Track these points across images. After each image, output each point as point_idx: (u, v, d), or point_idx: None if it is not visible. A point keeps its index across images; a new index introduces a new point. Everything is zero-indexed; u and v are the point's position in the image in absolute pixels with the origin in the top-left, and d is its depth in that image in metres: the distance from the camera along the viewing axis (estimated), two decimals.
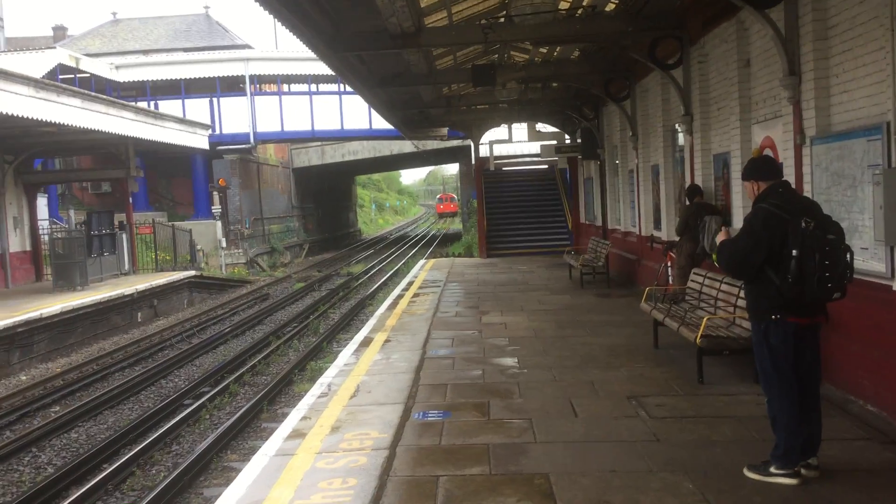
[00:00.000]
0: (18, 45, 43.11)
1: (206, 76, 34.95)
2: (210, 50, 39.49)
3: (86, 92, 21.09)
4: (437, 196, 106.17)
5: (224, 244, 32.34)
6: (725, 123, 10.58)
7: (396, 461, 5.81)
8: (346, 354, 10.00)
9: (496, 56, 18.02)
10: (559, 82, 19.07)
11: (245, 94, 35.18)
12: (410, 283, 18.37)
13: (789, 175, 7.73)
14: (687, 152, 12.25)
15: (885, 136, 6.24)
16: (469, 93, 20.95)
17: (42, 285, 22.97)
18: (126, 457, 9.48)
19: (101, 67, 34.00)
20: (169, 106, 33.45)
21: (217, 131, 34.06)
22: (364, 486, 5.35)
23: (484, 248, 25.71)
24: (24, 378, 14.85)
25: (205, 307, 23.96)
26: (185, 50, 40.30)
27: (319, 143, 43.57)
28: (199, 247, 30.26)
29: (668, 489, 5.07)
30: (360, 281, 29.29)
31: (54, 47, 34.95)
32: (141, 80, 34.83)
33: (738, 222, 9.56)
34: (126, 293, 20.45)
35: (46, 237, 24.54)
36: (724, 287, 8.62)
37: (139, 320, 21.14)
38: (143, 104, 29.74)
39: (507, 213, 27.38)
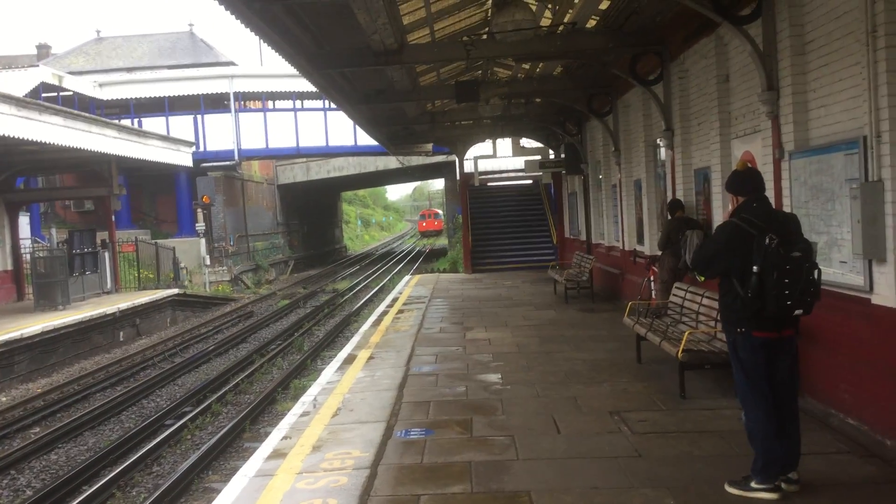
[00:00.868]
0: (1, 63, 42.91)
1: (191, 93, 34.93)
2: (194, 67, 39.46)
3: (68, 110, 21.02)
4: (420, 212, 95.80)
5: (208, 262, 32.18)
6: (706, 138, 10.64)
7: (377, 480, 5.76)
8: (329, 372, 9.94)
9: (479, 72, 18.09)
10: (542, 98, 19.17)
11: (229, 111, 35.14)
12: (395, 300, 18.33)
13: (768, 189, 7.76)
14: (668, 167, 12.31)
15: (862, 150, 6.29)
16: (453, 109, 21.01)
17: (24, 305, 22.76)
18: (106, 478, 9.35)
19: (84, 85, 33.90)
20: (153, 123, 33.40)
21: (201, 148, 34.01)
22: None
23: (469, 263, 25.72)
24: (4, 399, 14.65)
25: (188, 326, 23.78)
26: (169, 67, 40.24)
27: (304, 160, 43.53)
28: (182, 264, 30.10)
29: None
30: (345, 297, 29.19)
31: (37, 65, 34.82)
32: (125, 97, 34.76)
33: None
34: (108, 312, 20.29)
35: (28, 256, 24.35)
36: (705, 301, 8.64)
37: (121, 339, 20.96)
38: (126, 122, 29.71)
39: (493, 228, 27.42)
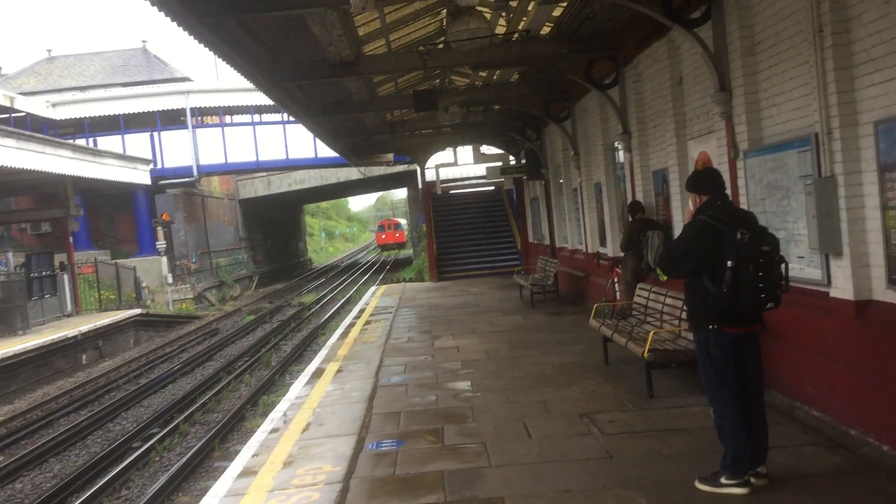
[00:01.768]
0: None
1: (146, 110, 34.51)
2: (149, 84, 38.99)
3: (21, 132, 20.67)
4: (378, 223, 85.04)
5: (170, 280, 31.77)
6: (662, 140, 10.79)
7: (350, 494, 5.73)
8: (298, 387, 9.87)
9: (437, 81, 18.15)
10: (501, 105, 19.27)
11: (186, 127, 34.79)
12: (362, 311, 18.27)
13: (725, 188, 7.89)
14: (627, 169, 12.45)
15: (814, 146, 6.43)
16: (412, 118, 21.03)
17: None
18: None
19: (36, 106, 33.33)
20: (108, 142, 32.94)
21: (159, 165, 33.62)
22: None
23: (434, 272, 25.73)
24: None
25: (152, 346, 23.43)
26: (124, 85, 39.70)
27: (265, 174, 43.23)
28: (144, 284, 29.68)
29: None
30: (311, 311, 29.01)
31: None
32: (79, 116, 34.24)
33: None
34: (69, 335, 19.93)
35: None
36: (669, 301, 8.74)
37: (84, 362, 20.60)
38: (81, 141, 29.29)
39: (457, 235, 27.48)
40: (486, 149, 27.23)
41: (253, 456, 6.91)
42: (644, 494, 5.23)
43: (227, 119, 36.58)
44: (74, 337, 20.18)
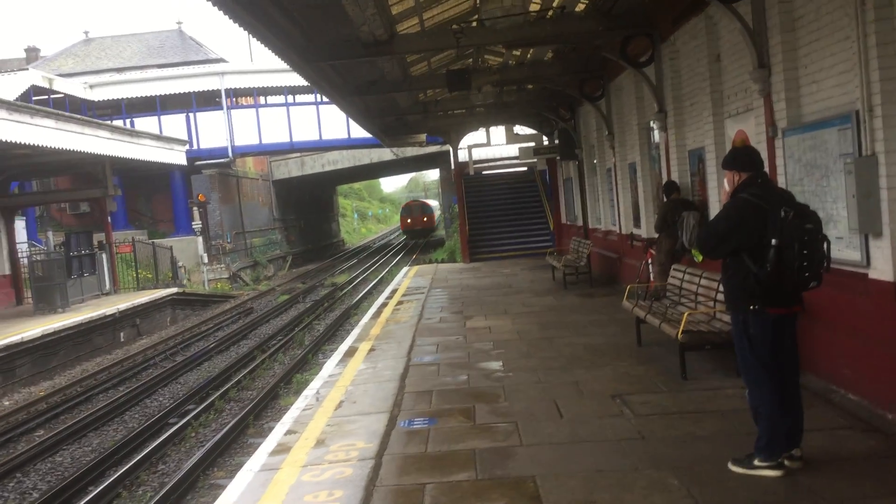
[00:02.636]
0: None
1: (182, 92, 34.85)
2: (184, 65, 39.32)
3: (60, 112, 20.94)
4: (403, 205, 73.21)
5: (206, 259, 32.17)
6: (699, 119, 10.63)
7: (382, 471, 5.77)
8: (330, 365, 9.95)
9: (470, 60, 18.05)
10: (534, 84, 19.12)
11: (221, 108, 35.08)
12: (394, 291, 18.34)
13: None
14: (662, 149, 12.30)
15: (854, 124, 6.29)
16: (445, 98, 20.97)
17: (23, 309, 22.76)
18: (112, 478, 9.40)
19: (74, 87, 33.80)
20: (145, 123, 33.33)
21: (195, 146, 33.95)
22: (350, 497, 5.31)
23: (467, 252, 25.71)
24: (7, 403, 14.68)
25: (188, 324, 23.79)
26: (160, 66, 40.08)
27: (299, 154, 43.48)
28: (180, 263, 30.09)
29: (654, 486, 5.07)
30: (344, 291, 29.21)
31: (27, 69, 34.72)
32: (116, 98, 34.66)
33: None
34: (108, 313, 20.29)
35: (26, 260, 24.32)
36: (703, 282, 8.64)
37: (122, 340, 20.97)
38: (118, 122, 29.61)
39: (489, 216, 27.40)
40: (519, 129, 27.04)
41: (287, 433, 6.99)
42: (676, 476, 5.20)
43: (262, 100, 36.78)
44: (113, 315, 20.53)
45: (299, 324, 21.46)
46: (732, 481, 5.05)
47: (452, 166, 28.77)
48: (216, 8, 8.83)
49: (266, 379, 14.82)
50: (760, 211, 4.98)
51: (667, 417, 6.54)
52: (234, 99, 36.14)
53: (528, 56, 16.43)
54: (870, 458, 5.29)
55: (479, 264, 23.91)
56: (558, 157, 22.96)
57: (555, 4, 12.34)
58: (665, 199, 11.28)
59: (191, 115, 34.81)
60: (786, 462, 5.10)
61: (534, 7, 13.08)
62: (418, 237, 60.80)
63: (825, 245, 4.91)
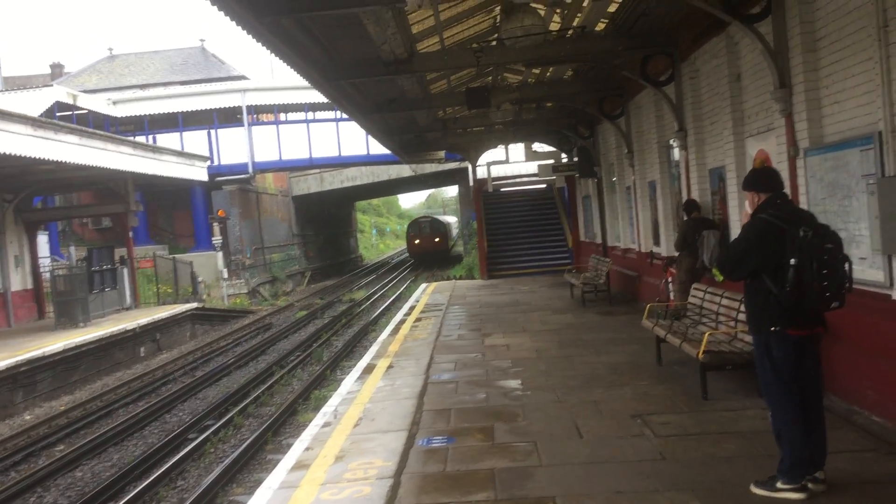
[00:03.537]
0: (16, 83, 43.43)
1: (204, 108, 35.19)
2: (206, 82, 39.75)
3: (83, 128, 21.19)
4: (413, 220, 60.68)
5: (226, 275, 32.33)
6: (719, 138, 10.62)
7: (401, 490, 5.77)
8: (349, 382, 9.97)
9: (490, 78, 18.11)
10: (553, 102, 19.15)
11: (242, 125, 35.37)
12: (412, 308, 18.35)
13: (784, 187, 7.74)
14: (682, 167, 12.28)
15: (877, 145, 6.26)
16: (464, 115, 21.03)
17: (44, 323, 22.95)
18: (131, 494, 9.43)
19: (98, 103, 34.22)
20: (167, 139, 33.64)
21: (216, 162, 34.19)
22: None
23: (485, 269, 25.70)
24: (28, 417, 14.80)
25: (207, 339, 23.91)
26: (182, 83, 40.55)
27: (318, 171, 43.67)
28: (200, 278, 30.27)
29: None
30: (362, 307, 29.25)
31: (52, 85, 35.15)
32: (138, 114, 35.05)
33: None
34: (128, 328, 20.43)
35: (48, 275, 24.57)
36: (724, 301, 8.60)
37: (142, 355, 21.10)
38: (141, 138, 29.91)
39: (508, 233, 27.40)
40: (538, 146, 27.09)
41: (306, 449, 7.01)
42: (698, 498, 5.16)
43: (282, 116, 37.05)
44: (133, 330, 20.67)
45: (317, 339, 21.50)
46: None
47: (471, 183, 28.83)
48: (240, 27, 8.94)
49: (285, 395, 14.85)
50: (779, 231, 4.96)
51: (688, 438, 6.49)
52: (254, 115, 36.44)
53: (548, 74, 16.48)
54: (894, 481, 5.23)
55: (498, 281, 23.89)
56: (577, 175, 22.94)
57: (575, 24, 12.37)
58: (685, 218, 11.25)
59: (212, 131, 35.12)
60: (809, 485, 5.04)
61: (554, 26, 13.13)
62: (429, 261, 49.94)
63: (847, 265, 4.87)
